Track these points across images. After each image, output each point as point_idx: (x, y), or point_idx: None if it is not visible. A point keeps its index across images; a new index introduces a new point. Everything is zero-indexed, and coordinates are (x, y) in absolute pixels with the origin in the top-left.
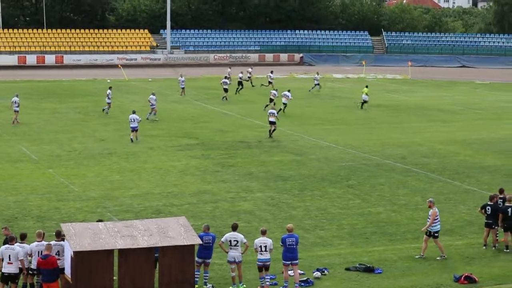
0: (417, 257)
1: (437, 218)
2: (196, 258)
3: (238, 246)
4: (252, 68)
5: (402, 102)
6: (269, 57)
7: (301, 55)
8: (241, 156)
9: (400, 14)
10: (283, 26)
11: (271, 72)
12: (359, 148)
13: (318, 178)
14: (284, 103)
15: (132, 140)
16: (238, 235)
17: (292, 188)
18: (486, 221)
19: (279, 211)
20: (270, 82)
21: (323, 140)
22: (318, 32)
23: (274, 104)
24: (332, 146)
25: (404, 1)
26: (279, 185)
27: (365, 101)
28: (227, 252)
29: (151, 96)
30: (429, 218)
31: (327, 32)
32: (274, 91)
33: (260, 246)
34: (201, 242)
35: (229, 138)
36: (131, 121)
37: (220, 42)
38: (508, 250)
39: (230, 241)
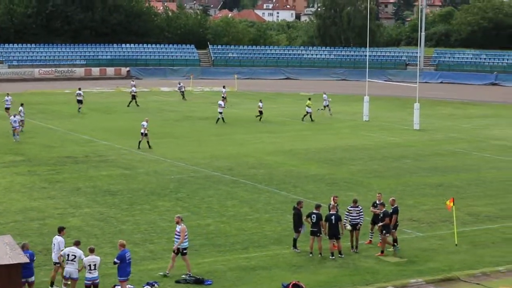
0: (161, 274)
1: (186, 235)
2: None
3: (75, 261)
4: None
5: (229, 114)
6: (95, 71)
7: (128, 68)
8: (68, 172)
9: (225, 28)
10: (109, 40)
11: (224, 87)
12: (187, 160)
13: (147, 191)
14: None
15: None
16: (77, 251)
17: (120, 202)
18: (311, 229)
19: (108, 226)
20: (224, 97)
21: (151, 154)
22: (145, 45)
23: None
24: (160, 159)
25: (230, 15)
26: (108, 199)
27: (308, 113)
28: (63, 268)
29: None
30: (178, 235)
31: (153, 45)
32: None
33: (90, 265)
34: (28, 260)
35: (55, 153)
36: None
37: (45, 56)
38: (333, 257)
39: (68, 255)
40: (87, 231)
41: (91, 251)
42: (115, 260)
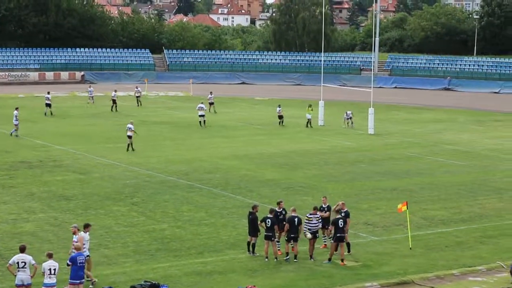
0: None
1: (85, 244)
2: None
3: (26, 268)
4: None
5: (184, 119)
6: (49, 75)
7: (82, 73)
8: (22, 177)
9: (180, 32)
10: (63, 44)
11: (211, 93)
12: (142, 165)
13: (102, 196)
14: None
15: None
16: (26, 257)
17: (75, 207)
18: (265, 233)
19: (62, 232)
20: (211, 103)
21: (106, 158)
22: (99, 50)
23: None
24: (116, 164)
25: (185, 19)
26: (62, 204)
27: (308, 120)
28: (15, 275)
29: None
30: (73, 244)
31: (108, 50)
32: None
33: (50, 269)
34: None
35: (9, 158)
36: None
37: None
38: (296, 260)
39: (17, 263)
40: (41, 237)
41: (50, 256)
42: (68, 262)
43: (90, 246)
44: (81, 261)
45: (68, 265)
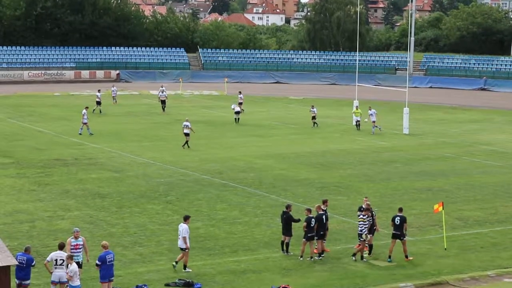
0: None
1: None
2: (16, 279)
3: (63, 265)
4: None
5: (219, 118)
6: (85, 74)
7: (117, 71)
8: (57, 174)
9: (215, 31)
10: (98, 42)
11: (240, 92)
12: (177, 164)
13: (136, 194)
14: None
15: None
16: (64, 254)
17: (110, 205)
18: (309, 234)
19: (97, 229)
20: (240, 103)
21: (140, 157)
22: (135, 48)
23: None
24: (150, 162)
25: (219, 19)
26: (97, 202)
27: (357, 122)
28: (51, 272)
29: None
30: (80, 248)
31: (143, 49)
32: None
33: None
34: (17, 263)
35: (45, 156)
36: None
37: (35, 58)
38: (321, 258)
39: (56, 260)
40: None
41: (71, 258)
42: (97, 262)
43: (126, 244)
44: (110, 259)
45: (97, 265)
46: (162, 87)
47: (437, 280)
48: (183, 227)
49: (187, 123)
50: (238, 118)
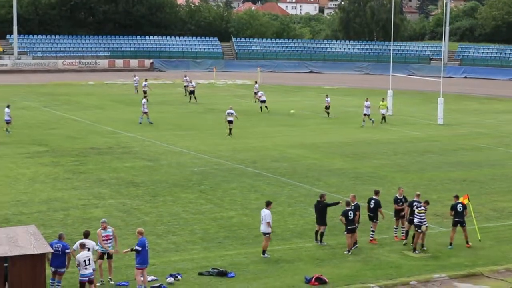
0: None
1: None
2: (51, 267)
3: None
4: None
5: (252, 107)
6: (119, 63)
7: (151, 60)
8: (92, 163)
9: (248, 21)
10: (132, 31)
11: (256, 82)
12: (210, 153)
13: (170, 183)
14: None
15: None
16: (90, 242)
17: (144, 194)
18: (349, 227)
19: (131, 218)
20: (256, 93)
21: (174, 146)
22: (168, 37)
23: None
24: (184, 151)
25: (253, 8)
26: (131, 191)
27: (383, 115)
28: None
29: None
30: (111, 239)
31: (177, 38)
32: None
33: (84, 261)
34: (52, 251)
35: (79, 144)
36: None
37: (69, 47)
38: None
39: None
40: (110, 223)
41: (82, 246)
42: (137, 248)
43: (159, 233)
44: (147, 244)
45: (137, 250)
46: (186, 77)
47: (472, 271)
48: (265, 213)
49: (231, 111)
50: (266, 107)
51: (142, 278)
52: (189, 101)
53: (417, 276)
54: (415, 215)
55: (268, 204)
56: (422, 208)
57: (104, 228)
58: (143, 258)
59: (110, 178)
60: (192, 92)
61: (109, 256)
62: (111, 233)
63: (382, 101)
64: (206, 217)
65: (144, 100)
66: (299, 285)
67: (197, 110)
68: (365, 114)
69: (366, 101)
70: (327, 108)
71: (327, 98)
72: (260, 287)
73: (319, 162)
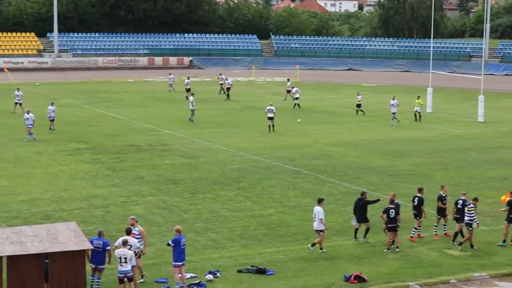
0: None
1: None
2: (91, 264)
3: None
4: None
5: (291, 105)
6: (158, 60)
7: (190, 58)
8: (131, 160)
9: (287, 18)
10: (171, 29)
11: (288, 80)
12: (249, 150)
13: (209, 181)
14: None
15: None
16: (132, 239)
17: (183, 191)
18: (389, 225)
19: (170, 215)
20: (288, 91)
21: (213, 143)
22: (207, 35)
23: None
24: (223, 149)
25: (292, 5)
26: (171, 188)
27: (417, 113)
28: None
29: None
30: (139, 237)
31: (216, 35)
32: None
33: (120, 258)
34: (92, 247)
35: (119, 142)
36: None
37: (109, 45)
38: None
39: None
40: (150, 219)
41: (124, 243)
42: (169, 242)
43: (199, 230)
44: (183, 243)
45: (168, 245)
46: (221, 75)
47: None
48: (317, 210)
49: (272, 107)
50: (298, 104)
51: (180, 275)
52: (226, 99)
53: (457, 275)
54: (466, 213)
55: (320, 201)
56: (472, 206)
57: (132, 225)
58: (179, 256)
59: (150, 175)
60: (228, 90)
61: (139, 255)
62: (137, 232)
63: (418, 99)
64: (245, 215)
65: (191, 97)
66: (338, 283)
67: (236, 108)
68: (393, 113)
69: (393, 99)
70: (358, 106)
71: (358, 95)
72: (299, 285)
73: (358, 159)
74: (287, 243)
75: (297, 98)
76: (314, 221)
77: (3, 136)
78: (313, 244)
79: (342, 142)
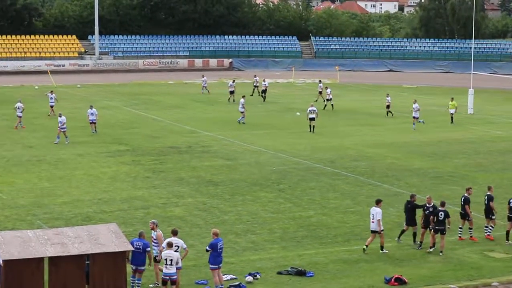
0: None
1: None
2: (131, 265)
3: (178, 251)
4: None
5: (329, 107)
6: (198, 62)
7: (230, 60)
8: (171, 162)
9: (327, 19)
10: (211, 31)
11: (320, 81)
12: (289, 152)
13: (249, 182)
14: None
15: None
16: (178, 241)
17: (223, 193)
18: (436, 227)
19: (210, 216)
20: (320, 92)
21: (253, 145)
22: (247, 37)
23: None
24: (262, 150)
25: (332, 6)
26: (210, 190)
27: (451, 114)
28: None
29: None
30: (155, 242)
31: (256, 37)
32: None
33: (166, 260)
34: (132, 249)
35: (159, 144)
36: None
37: (149, 47)
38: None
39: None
40: (190, 221)
41: (169, 245)
42: (207, 248)
43: (238, 232)
44: (221, 246)
45: (207, 250)
46: (256, 77)
47: None
48: (376, 211)
49: (313, 108)
50: (332, 104)
51: (218, 278)
52: (264, 100)
53: (499, 278)
54: None
55: (378, 202)
56: None
57: (152, 229)
58: (215, 259)
59: (190, 177)
60: (264, 91)
61: (155, 260)
62: (154, 237)
63: (451, 101)
64: (284, 216)
65: (242, 100)
66: (379, 285)
67: (275, 109)
68: (414, 117)
69: (414, 103)
70: (388, 107)
71: (388, 97)
72: (339, 287)
73: (398, 161)
74: (327, 245)
75: (329, 100)
76: (372, 222)
77: (44, 138)
78: (381, 248)
79: (382, 144)
